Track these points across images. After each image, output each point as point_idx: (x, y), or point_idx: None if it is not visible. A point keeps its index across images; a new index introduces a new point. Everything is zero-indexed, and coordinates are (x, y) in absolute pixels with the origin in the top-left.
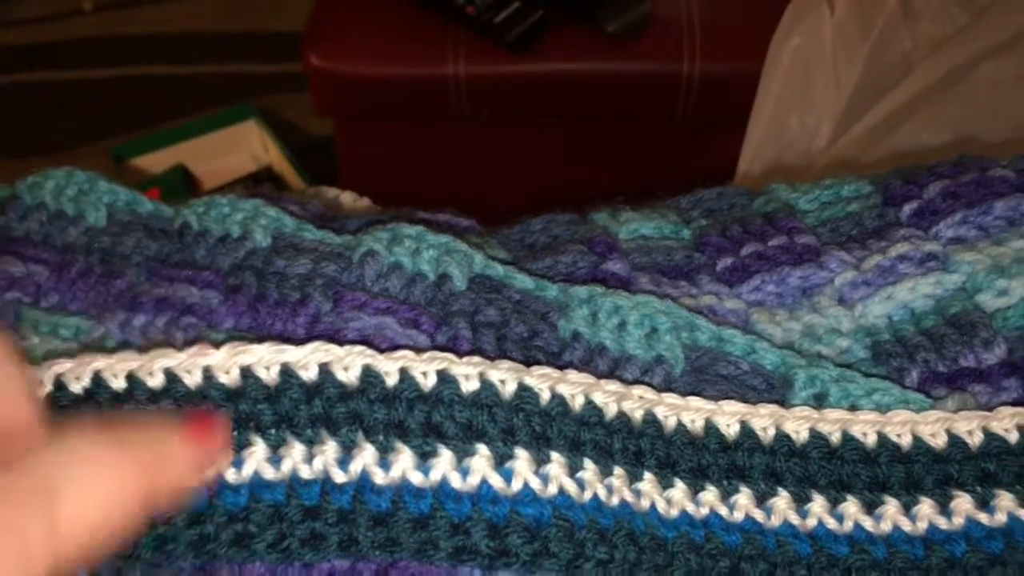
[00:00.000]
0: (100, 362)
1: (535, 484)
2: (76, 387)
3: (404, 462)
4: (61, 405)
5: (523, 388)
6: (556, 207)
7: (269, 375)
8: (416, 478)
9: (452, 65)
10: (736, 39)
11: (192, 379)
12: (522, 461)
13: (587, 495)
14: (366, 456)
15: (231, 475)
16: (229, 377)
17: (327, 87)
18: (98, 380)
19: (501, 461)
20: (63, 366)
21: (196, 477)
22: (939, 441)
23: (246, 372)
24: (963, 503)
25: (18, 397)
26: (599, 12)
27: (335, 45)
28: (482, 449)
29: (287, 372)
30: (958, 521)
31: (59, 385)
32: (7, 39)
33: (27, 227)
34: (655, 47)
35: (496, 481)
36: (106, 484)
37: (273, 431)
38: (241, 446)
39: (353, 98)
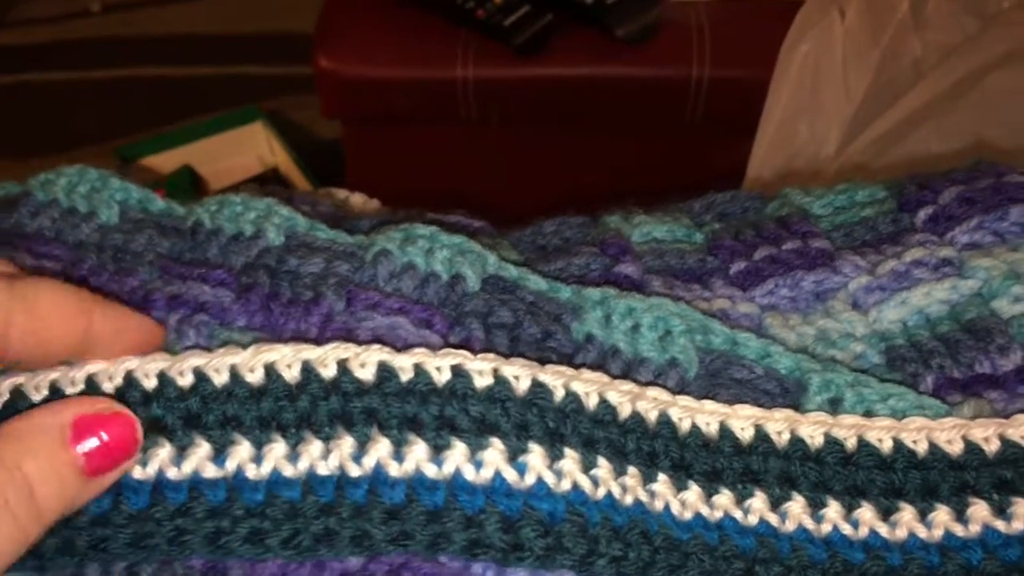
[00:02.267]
0: (132, 362)
1: (549, 479)
2: (108, 386)
3: (418, 454)
4: None
5: (537, 384)
6: (567, 210)
7: (291, 373)
8: (430, 470)
9: (461, 68)
10: (746, 45)
11: (220, 378)
12: (536, 456)
13: (601, 492)
14: (380, 449)
15: (251, 472)
16: (254, 376)
17: (335, 89)
18: (130, 380)
19: (515, 455)
20: (96, 366)
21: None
22: (955, 448)
23: (269, 370)
24: (980, 510)
25: None
26: (608, 16)
27: (344, 47)
28: (496, 443)
29: (307, 369)
30: (975, 528)
31: (91, 384)
32: (14, 39)
33: (39, 224)
34: (664, 52)
35: (510, 474)
36: None
37: (293, 429)
38: (262, 444)
39: (361, 100)
